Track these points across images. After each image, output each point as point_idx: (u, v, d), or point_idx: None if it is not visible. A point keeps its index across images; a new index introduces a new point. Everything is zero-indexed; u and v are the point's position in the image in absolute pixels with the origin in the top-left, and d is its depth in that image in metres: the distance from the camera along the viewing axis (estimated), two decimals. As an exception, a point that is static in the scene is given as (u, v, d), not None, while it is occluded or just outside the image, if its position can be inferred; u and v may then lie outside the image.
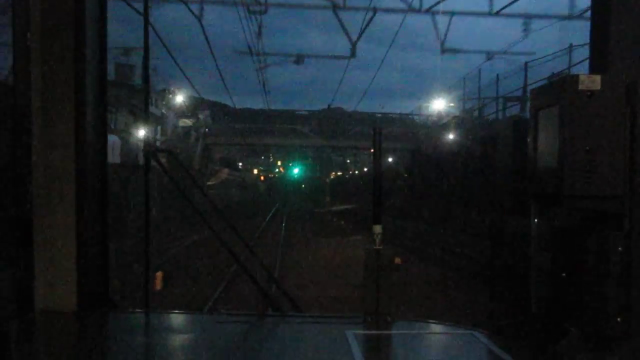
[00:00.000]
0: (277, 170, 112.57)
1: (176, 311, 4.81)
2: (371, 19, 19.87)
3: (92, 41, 4.13)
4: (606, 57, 3.12)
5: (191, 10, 17.52)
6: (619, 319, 2.86)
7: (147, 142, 4.51)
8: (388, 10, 20.95)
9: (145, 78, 5.11)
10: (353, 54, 21.71)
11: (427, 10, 21.04)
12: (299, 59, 26.17)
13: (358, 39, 21.18)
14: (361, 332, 3.74)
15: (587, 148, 2.91)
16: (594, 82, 2.92)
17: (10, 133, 4.01)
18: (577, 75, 2.95)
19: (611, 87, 2.92)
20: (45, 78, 3.97)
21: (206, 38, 17.31)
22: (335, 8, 20.14)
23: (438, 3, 20.31)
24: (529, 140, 3.28)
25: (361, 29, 20.69)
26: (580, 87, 2.92)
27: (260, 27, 22.24)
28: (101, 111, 4.28)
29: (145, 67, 4.91)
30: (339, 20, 20.30)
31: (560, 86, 3.01)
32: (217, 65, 22.25)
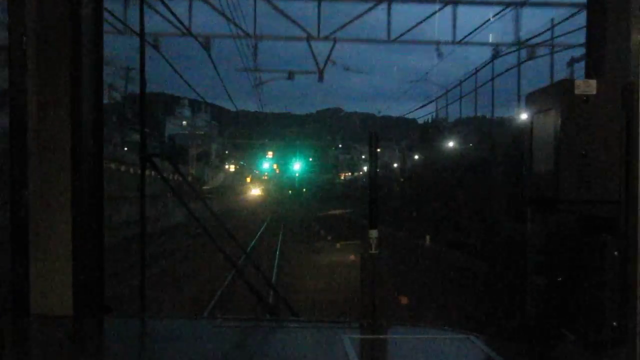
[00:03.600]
0: (266, 166, 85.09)
1: (172, 316, 4.80)
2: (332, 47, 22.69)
3: (88, 44, 4.13)
4: (602, 61, 3.13)
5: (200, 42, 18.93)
6: (614, 324, 2.86)
7: (143, 147, 4.49)
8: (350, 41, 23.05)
9: (142, 80, 5.10)
10: (321, 79, 24.67)
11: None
12: (291, 76, 27.92)
13: (324, 66, 23.90)
14: (357, 336, 3.74)
15: (583, 152, 2.91)
16: (590, 87, 2.93)
17: (6, 138, 4.00)
18: (573, 80, 2.95)
19: (607, 92, 2.93)
20: (40, 83, 3.96)
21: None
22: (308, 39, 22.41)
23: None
24: (524, 144, 3.29)
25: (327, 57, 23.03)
26: (577, 91, 2.92)
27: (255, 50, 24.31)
28: (97, 116, 4.27)
29: (142, 70, 4.90)
30: (311, 50, 22.23)
31: (556, 91, 3.02)
32: (217, 71, 23.26)
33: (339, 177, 78.20)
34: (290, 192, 71.53)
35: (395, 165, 59.94)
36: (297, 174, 75.41)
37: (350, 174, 76.47)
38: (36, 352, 3.68)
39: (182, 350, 3.64)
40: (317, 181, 70.09)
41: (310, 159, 77.25)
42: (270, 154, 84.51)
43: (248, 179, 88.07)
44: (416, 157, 45.69)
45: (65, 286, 3.99)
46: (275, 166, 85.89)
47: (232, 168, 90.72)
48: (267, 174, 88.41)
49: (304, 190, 70.07)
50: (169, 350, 3.67)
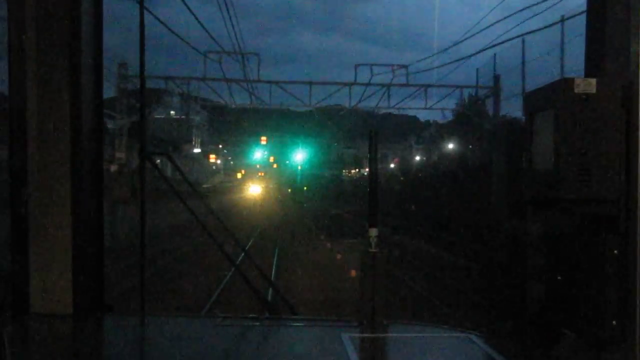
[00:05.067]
0: (259, 156, 68.14)
1: (172, 314, 4.79)
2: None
3: (88, 42, 4.12)
4: (602, 60, 3.13)
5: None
6: (614, 322, 2.87)
7: (143, 145, 4.48)
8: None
9: (141, 75, 5.05)
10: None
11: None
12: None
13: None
14: (357, 335, 3.74)
15: (583, 151, 2.91)
16: (590, 86, 2.93)
17: (6, 134, 4.00)
18: (573, 79, 2.95)
19: (606, 91, 2.93)
20: (40, 79, 3.95)
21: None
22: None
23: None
24: (524, 143, 3.29)
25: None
26: (576, 90, 2.92)
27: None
28: (97, 112, 4.27)
29: (141, 64, 4.86)
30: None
31: (555, 89, 3.02)
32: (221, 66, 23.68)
33: (347, 174, 68.71)
34: (289, 190, 62.06)
35: (417, 158, 56.70)
36: (299, 167, 64.70)
37: (356, 170, 67.81)
38: (36, 351, 3.68)
39: (182, 348, 3.64)
40: (322, 178, 60.35)
41: (312, 155, 66.31)
42: (264, 140, 66.98)
43: (239, 175, 70.64)
44: (450, 145, 39.18)
45: (65, 285, 3.99)
46: (271, 159, 72.12)
47: (213, 159, 68.52)
48: (260, 166, 70.25)
49: (305, 188, 60.26)
50: (169, 349, 3.67)
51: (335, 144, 75.36)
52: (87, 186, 4.15)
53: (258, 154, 68.64)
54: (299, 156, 64.28)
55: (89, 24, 4.14)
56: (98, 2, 4.26)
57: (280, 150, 70.34)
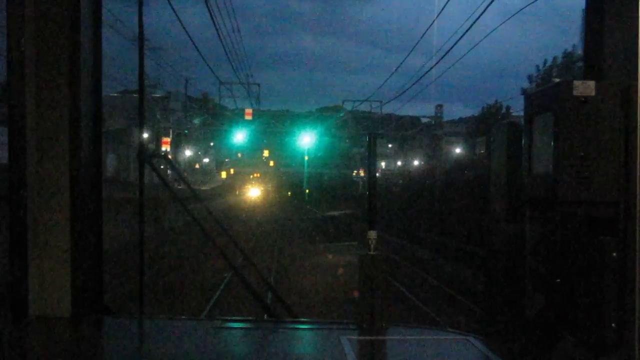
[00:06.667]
0: (240, 139, 51.06)
1: (171, 317, 4.79)
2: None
3: (87, 47, 4.12)
4: (601, 63, 3.13)
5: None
6: (613, 326, 2.87)
7: (141, 147, 4.48)
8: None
9: (140, 77, 5.04)
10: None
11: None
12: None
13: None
14: (356, 337, 3.74)
15: (582, 154, 2.91)
16: (589, 88, 2.93)
17: (5, 138, 3.99)
18: (572, 81, 2.96)
19: (606, 93, 2.93)
20: (39, 80, 3.95)
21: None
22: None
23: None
24: (523, 145, 3.29)
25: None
26: (575, 92, 2.93)
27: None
28: (97, 117, 4.27)
29: (141, 65, 4.85)
30: None
31: (554, 92, 3.02)
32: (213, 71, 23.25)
33: (356, 175, 59.75)
34: (290, 193, 51.84)
35: (457, 150, 52.98)
36: (305, 156, 52.69)
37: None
38: (35, 354, 3.67)
39: (181, 351, 3.63)
40: (332, 181, 50.95)
41: (317, 151, 55.51)
42: (249, 114, 50.12)
43: (224, 174, 55.97)
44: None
45: (64, 287, 3.99)
46: (266, 153, 58.33)
47: (166, 145, 50.29)
48: (242, 155, 53.02)
49: (308, 191, 50.25)
50: (168, 351, 3.67)
51: (340, 143, 69.66)
52: (87, 187, 4.15)
53: (240, 136, 51.46)
54: (306, 139, 52.85)
55: (89, 26, 4.14)
56: (98, 3, 4.26)
57: (277, 145, 58.80)
